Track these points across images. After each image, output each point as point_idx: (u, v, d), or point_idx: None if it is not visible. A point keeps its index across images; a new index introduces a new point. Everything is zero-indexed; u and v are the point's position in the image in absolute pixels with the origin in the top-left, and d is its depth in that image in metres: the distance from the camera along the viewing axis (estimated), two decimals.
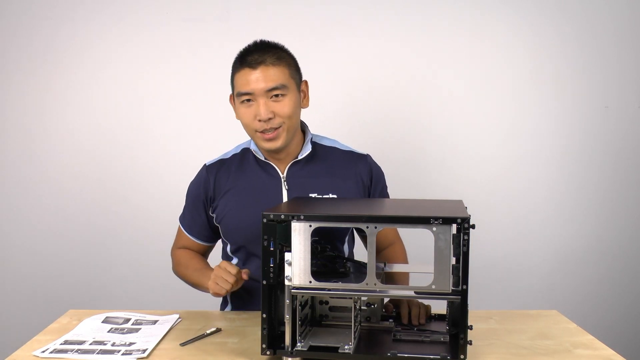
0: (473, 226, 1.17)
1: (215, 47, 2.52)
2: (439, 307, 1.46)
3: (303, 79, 1.68)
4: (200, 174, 1.74)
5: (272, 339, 1.27)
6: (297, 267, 1.23)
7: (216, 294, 1.51)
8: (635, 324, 2.61)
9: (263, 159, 1.69)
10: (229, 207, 1.67)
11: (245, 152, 1.73)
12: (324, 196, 1.64)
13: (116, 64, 2.55)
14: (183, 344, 1.38)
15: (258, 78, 1.56)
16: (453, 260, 1.19)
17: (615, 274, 2.60)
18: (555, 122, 2.54)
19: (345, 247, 1.74)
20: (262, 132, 1.59)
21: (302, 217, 1.22)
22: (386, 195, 1.78)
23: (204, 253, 1.82)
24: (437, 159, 2.55)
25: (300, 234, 1.22)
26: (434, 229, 1.17)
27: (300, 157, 1.68)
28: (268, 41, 1.64)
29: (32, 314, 2.57)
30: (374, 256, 1.20)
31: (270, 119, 1.56)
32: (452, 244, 1.18)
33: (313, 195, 1.64)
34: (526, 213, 2.57)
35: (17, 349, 1.36)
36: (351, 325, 1.29)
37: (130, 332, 1.44)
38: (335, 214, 1.25)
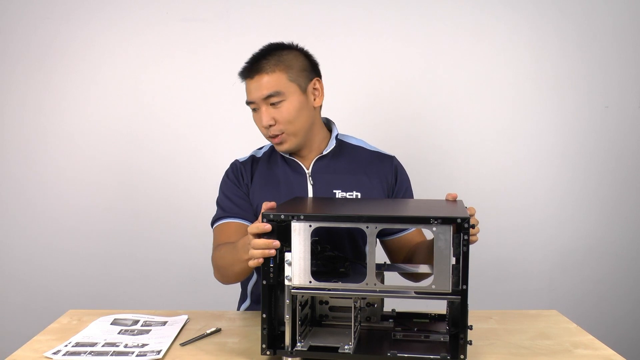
0: (473, 226, 1.17)
1: (215, 47, 2.52)
2: (439, 307, 1.46)
3: (316, 78, 1.67)
4: (234, 167, 1.76)
5: (272, 339, 1.27)
6: (297, 267, 1.23)
7: (255, 263, 1.32)
8: (635, 324, 2.61)
9: (288, 155, 1.71)
10: (260, 199, 1.68)
11: (274, 148, 1.75)
12: (348, 194, 1.66)
13: (116, 64, 2.55)
14: (183, 344, 1.38)
15: (255, 87, 1.60)
16: (453, 260, 1.19)
17: (616, 274, 2.60)
18: (555, 122, 2.54)
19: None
20: (270, 137, 1.63)
21: (302, 217, 1.22)
22: (410, 197, 1.78)
23: None
24: (437, 159, 2.55)
25: (300, 234, 1.22)
26: (434, 229, 1.17)
27: (325, 153, 1.70)
28: (271, 45, 1.65)
29: (32, 314, 2.57)
30: (374, 256, 1.20)
31: (271, 125, 1.60)
32: (452, 243, 1.18)
33: (337, 191, 1.66)
34: (526, 213, 2.57)
35: (17, 349, 1.36)
36: (351, 325, 1.29)
37: (140, 334, 1.45)
38: (335, 214, 1.25)
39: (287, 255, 1.24)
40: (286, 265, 1.24)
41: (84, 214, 2.59)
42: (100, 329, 1.48)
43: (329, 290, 1.26)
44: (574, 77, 2.53)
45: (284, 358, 1.26)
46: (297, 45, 1.69)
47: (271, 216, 1.24)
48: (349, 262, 1.46)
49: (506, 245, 2.58)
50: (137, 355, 1.30)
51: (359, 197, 1.65)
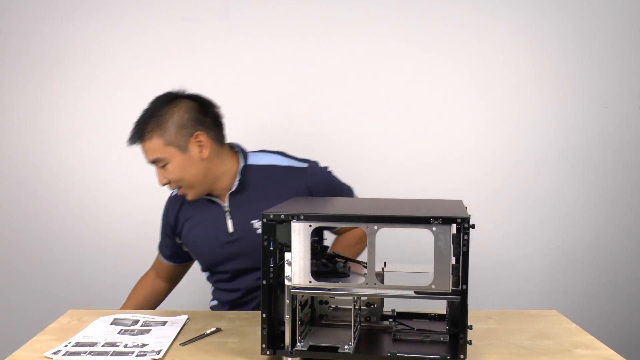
0: (473, 226, 1.17)
1: (215, 47, 2.52)
2: (439, 307, 1.46)
3: (196, 132, 1.68)
4: (166, 205, 1.89)
5: (272, 339, 1.27)
6: (297, 267, 1.23)
7: None
8: (635, 324, 2.61)
9: (205, 195, 1.79)
10: (187, 237, 1.82)
11: None
12: None
13: (116, 64, 2.55)
14: (183, 344, 1.38)
15: (143, 151, 1.71)
16: (453, 260, 1.19)
17: (616, 274, 2.60)
18: (555, 122, 2.54)
19: None
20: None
21: (302, 217, 1.22)
22: (346, 195, 1.81)
23: (182, 272, 2.00)
24: (437, 159, 2.55)
25: (300, 234, 1.22)
26: (434, 229, 1.17)
27: (233, 189, 1.75)
28: (153, 103, 1.72)
29: (32, 314, 2.57)
30: (374, 256, 1.20)
31: (166, 184, 1.71)
32: (452, 243, 1.18)
33: (254, 221, 1.72)
34: (526, 213, 2.57)
35: (17, 349, 1.36)
36: (351, 325, 1.29)
37: (140, 334, 1.45)
38: (335, 213, 1.25)
39: (287, 255, 1.24)
40: (286, 265, 1.24)
41: (84, 213, 2.59)
42: (100, 329, 1.48)
43: (329, 290, 1.26)
44: (574, 77, 2.53)
45: (284, 358, 1.26)
46: (183, 93, 1.73)
47: (271, 216, 1.24)
48: (348, 262, 1.46)
49: (506, 245, 2.58)
50: (137, 355, 1.30)
51: None
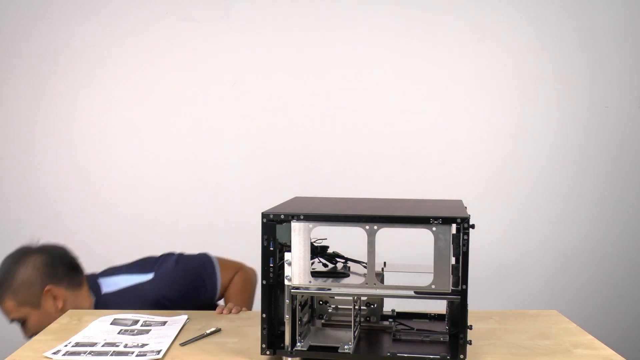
0: (473, 226, 1.17)
1: (215, 47, 2.52)
2: (439, 307, 1.46)
3: (46, 287, 1.70)
4: None
5: (272, 339, 1.26)
6: (297, 267, 1.23)
7: None
8: (635, 324, 2.61)
9: None
10: None
11: None
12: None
13: (116, 64, 2.55)
14: (183, 344, 1.38)
15: (3, 313, 1.71)
16: (453, 260, 1.19)
17: (615, 274, 2.60)
18: (555, 122, 2.54)
19: None
20: None
21: (302, 217, 1.22)
22: (207, 295, 1.82)
23: None
24: (437, 159, 2.55)
25: (300, 234, 1.22)
26: (434, 228, 1.17)
27: None
28: (3, 264, 1.73)
29: None
30: (374, 256, 1.20)
31: (32, 335, 1.63)
32: (452, 244, 1.18)
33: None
34: (526, 213, 2.57)
35: (17, 349, 1.36)
36: (351, 325, 1.29)
37: (140, 334, 1.45)
38: (335, 213, 1.25)
39: (287, 255, 1.24)
40: (286, 265, 1.24)
41: (83, 213, 2.59)
42: (100, 329, 1.48)
43: (329, 290, 1.26)
44: (574, 77, 2.53)
45: (284, 358, 1.26)
46: (32, 248, 1.75)
47: (271, 216, 1.24)
48: (349, 262, 1.46)
49: (506, 245, 2.58)
50: (137, 355, 1.30)
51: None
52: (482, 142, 2.55)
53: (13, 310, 1.70)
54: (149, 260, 1.87)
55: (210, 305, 1.83)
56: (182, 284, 1.78)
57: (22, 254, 1.75)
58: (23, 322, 1.71)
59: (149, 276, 1.80)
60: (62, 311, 1.70)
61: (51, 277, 1.73)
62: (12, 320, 1.71)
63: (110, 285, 1.82)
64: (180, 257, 1.85)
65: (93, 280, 1.84)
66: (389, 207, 1.38)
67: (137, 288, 1.78)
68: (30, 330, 1.71)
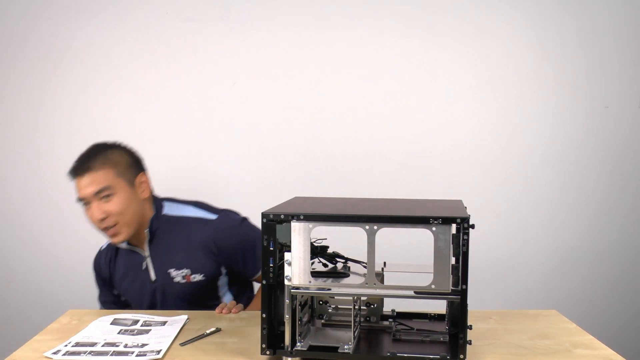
0: (472, 226, 1.17)
1: (215, 47, 2.52)
2: (439, 307, 1.46)
3: (141, 171, 1.81)
4: (97, 259, 1.94)
5: (272, 339, 1.27)
6: (297, 267, 1.23)
7: None
8: (635, 324, 2.61)
9: (125, 246, 1.83)
10: (121, 286, 1.88)
11: None
12: (180, 272, 1.77)
13: (115, 64, 2.54)
14: (183, 344, 1.38)
15: (86, 184, 1.71)
16: (453, 260, 1.19)
17: (615, 274, 2.60)
18: (555, 122, 2.54)
19: None
20: (105, 229, 1.73)
21: (302, 217, 1.22)
22: (248, 265, 1.83)
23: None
24: (437, 159, 2.55)
25: (300, 234, 1.22)
26: (434, 228, 1.17)
27: (148, 238, 1.80)
28: (97, 145, 1.79)
29: (32, 314, 2.57)
30: (374, 256, 1.20)
31: (104, 218, 1.70)
32: (452, 243, 1.18)
33: (171, 270, 1.78)
34: (526, 213, 2.57)
35: (17, 349, 1.37)
36: (351, 325, 1.29)
37: (140, 334, 1.45)
38: (335, 213, 1.25)
39: (287, 255, 1.24)
40: (286, 265, 1.24)
41: (83, 214, 2.59)
42: (100, 329, 1.48)
43: (329, 290, 1.26)
44: (574, 77, 2.53)
45: (284, 358, 1.26)
46: (120, 144, 1.82)
47: (271, 216, 1.24)
48: (349, 262, 1.46)
49: (506, 245, 2.58)
50: (137, 355, 1.30)
51: (190, 273, 1.76)
52: (482, 142, 2.55)
53: (109, 179, 1.70)
54: (214, 207, 1.89)
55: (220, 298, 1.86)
56: (237, 242, 1.80)
57: (112, 145, 1.81)
58: (107, 196, 1.69)
59: (212, 216, 1.82)
60: (143, 203, 1.78)
61: (142, 168, 1.83)
62: (97, 191, 1.69)
63: (172, 209, 1.86)
64: (246, 220, 1.86)
65: (157, 200, 1.87)
66: (389, 207, 1.38)
67: (197, 221, 1.81)
68: (108, 208, 1.69)
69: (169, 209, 1.85)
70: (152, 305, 1.82)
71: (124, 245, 1.83)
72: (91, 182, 1.69)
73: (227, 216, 1.83)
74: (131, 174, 1.77)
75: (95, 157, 1.73)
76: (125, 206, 1.71)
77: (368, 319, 1.43)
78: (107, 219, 1.70)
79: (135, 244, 1.82)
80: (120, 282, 1.87)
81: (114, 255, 1.89)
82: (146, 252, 1.81)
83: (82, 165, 1.71)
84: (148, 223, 1.80)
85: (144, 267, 1.81)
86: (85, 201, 1.73)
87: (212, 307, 1.68)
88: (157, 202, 1.85)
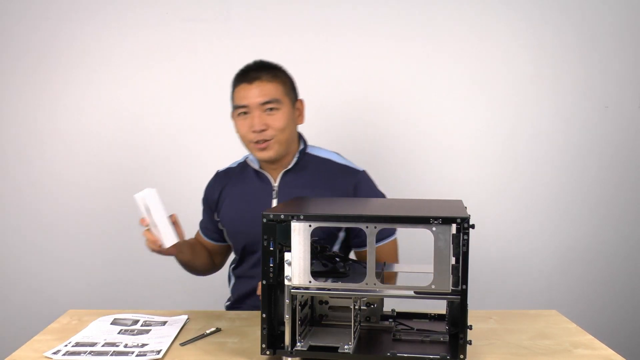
0: (473, 226, 1.17)
1: (215, 47, 2.52)
2: (439, 307, 1.46)
3: (299, 98, 1.80)
4: (211, 181, 1.90)
5: (272, 339, 1.27)
6: (297, 267, 1.23)
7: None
8: (635, 324, 2.61)
9: (257, 168, 1.79)
10: (227, 213, 1.81)
11: (245, 164, 1.86)
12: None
13: (115, 64, 2.55)
14: (183, 344, 1.38)
15: (254, 92, 1.69)
16: (453, 260, 1.19)
17: (615, 274, 2.60)
18: (555, 122, 2.54)
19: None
20: (256, 142, 1.70)
21: (302, 217, 1.22)
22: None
23: (219, 252, 1.95)
24: (437, 159, 2.55)
25: (300, 234, 1.22)
26: (434, 228, 1.17)
27: (289, 167, 1.77)
28: (267, 61, 1.77)
29: (32, 314, 2.57)
30: (374, 256, 1.20)
31: (263, 130, 1.68)
32: (452, 243, 1.18)
33: None
34: (526, 213, 2.57)
35: (17, 349, 1.36)
36: (351, 325, 1.29)
37: (140, 334, 1.45)
38: (335, 213, 1.25)
39: (287, 255, 1.24)
40: (286, 265, 1.24)
41: (83, 214, 2.59)
42: (100, 329, 1.48)
43: (329, 290, 1.26)
44: (574, 77, 2.53)
45: (284, 358, 1.26)
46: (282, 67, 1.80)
47: (271, 216, 1.24)
48: (349, 262, 1.46)
49: (506, 246, 2.58)
50: (137, 355, 1.30)
51: None
52: (482, 142, 2.55)
53: (280, 92, 1.70)
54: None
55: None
56: (371, 194, 1.78)
57: (277, 64, 1.79)
58: (272, 109, 1.68)
59: (358, 168, 1.81)
60: (296, 129, 1.78)
61: (298, 95, 1.82)
62: (267, 101, 1.67)
63: (318, 151, 1.84)
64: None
65: (302, 136, 1.85)
66: (389, 207, 1.38)
67: (343, 168, 1.79)
68: (270, 122, 1.68)
69: (313, 150, 1.83)
70: (255, 237, 1.71)
71: (256, 166, 1.79)
72: (260, 91, 1.68)
73: (367, 174, 1.82)
74: (294, 96, 1.77)
75: (265, 69, 1.72)
76: (286, 123, 1.70)
77: (368, 319, 1.43)
78: (266, 132, 1.68)
79: (266, 169, 1.79)
80: (231, 208, 1.81)
81: (230, 182, 1.84)
82: (276, 181, 1.77)
83: (252, 74, 1.70)
84: (295, 154, 1.77)
85: (267, 196, 1.75)
86: (245, 110, 1.70)
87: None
88: (303, 140, 1.84)
